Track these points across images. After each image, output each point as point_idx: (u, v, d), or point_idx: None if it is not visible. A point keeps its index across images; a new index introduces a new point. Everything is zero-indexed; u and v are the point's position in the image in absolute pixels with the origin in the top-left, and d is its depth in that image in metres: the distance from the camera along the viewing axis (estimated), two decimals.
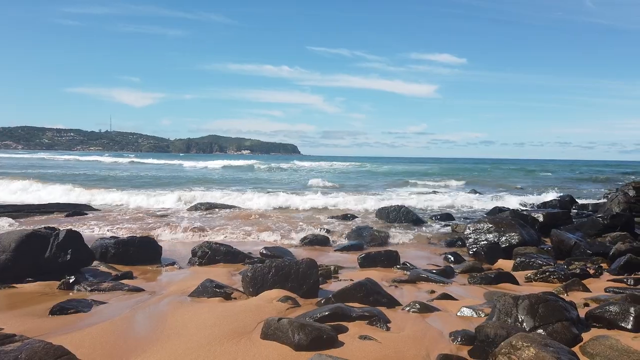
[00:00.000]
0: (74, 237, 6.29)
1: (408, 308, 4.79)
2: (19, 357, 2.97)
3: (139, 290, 5.53)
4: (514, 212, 11.01)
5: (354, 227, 10.36)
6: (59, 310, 4.60)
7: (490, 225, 8.50)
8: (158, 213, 12.66)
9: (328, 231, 10.05)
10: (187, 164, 51.70)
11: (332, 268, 6.76)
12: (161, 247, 7.73)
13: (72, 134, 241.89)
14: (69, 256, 6.06)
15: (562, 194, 17.58)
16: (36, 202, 13.44)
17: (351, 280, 5.89)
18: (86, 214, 12.05)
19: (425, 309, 4.76)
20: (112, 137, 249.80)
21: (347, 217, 12.49)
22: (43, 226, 6.70)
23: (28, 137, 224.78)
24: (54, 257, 6.00)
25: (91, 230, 9.63)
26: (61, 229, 6.47)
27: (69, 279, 5.60)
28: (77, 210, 12.21)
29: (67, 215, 11.54)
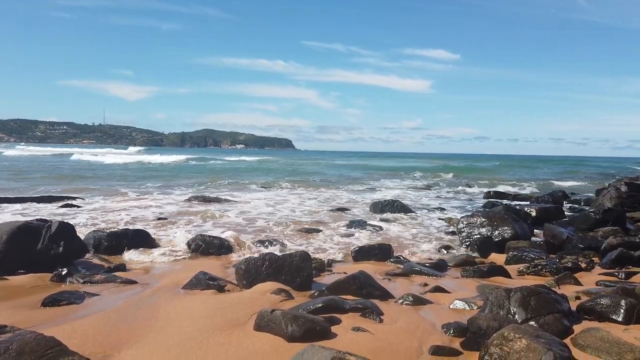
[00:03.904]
0: (66, 229, 6.25)
1: (401, 300, 4.81)
2: (10, 348, 2.96)
3: (131, 282, 5.52)
4: (507, 207, 11.06)
5: (348, 221, 10.38)
6: (51, 301, 4.58)
7: (484, 220, 8.52)
8: None
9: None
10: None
11: (326, 261, 6.77)
12: (154, 239, 7.71)
13: (65, 127, 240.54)
14: (61, 248, 6.03)
15: (555, 189, 17.69)
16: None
17: (345, 273, 5.89)
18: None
19: (418, 301, 4.78)
20: (106, 130, 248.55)
21: (340, 210, 12.50)
22: (35, 218, 6.65)
23: (21, 130, 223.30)
24: (46, 249, 5.96)
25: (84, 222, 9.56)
26: (53, 220, 6.43)
27: (62, 271, 5.57)
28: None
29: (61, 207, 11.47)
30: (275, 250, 7.45)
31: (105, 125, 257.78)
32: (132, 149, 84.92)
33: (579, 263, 6.74)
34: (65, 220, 6.90)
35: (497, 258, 7.54)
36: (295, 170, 34.18)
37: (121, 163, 39.26)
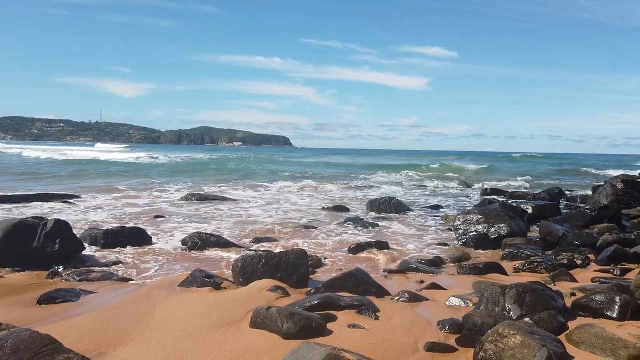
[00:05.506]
0: (62, 226, 6.24)
1: (397, 298, 4.81)
2: (5, 346, 2.95)
3: (128, 280, 5.52)
4: (504, 204, 11.09)
5: (345, 218, 10.39)
6: (47, 299, 4.57)
7: (480, 217, 8.55)
8: None
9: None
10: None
11: (323, 258, 6.77)
12: (151, 237, 7.70)
13: (62, 124, 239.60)
14: (57, 246, 6.01)
15: (551, 186, 17.74)
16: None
17: (341, 270, 5.90)
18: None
19: (414, 298, 4.79)
20: (103, 128, 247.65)
21: (338, 208, 12.50)
22: (31, 216, 6.63)
23: (17, 128, 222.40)
24: (42, 246, 5.95)
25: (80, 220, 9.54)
26: (49, 218, 6.41)
27: (58, 268, 5.57)
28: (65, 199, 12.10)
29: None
30: (272, 247, 7.46)
31: (102, 122, 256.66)
32: (99, 145, 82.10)
33: (575, 260, 6.76)
34: (62, 218, 6.88)
35: (494, 255, 7.57)
36: (293, 168, 34.15)
37: (64, 159, 35.81)
